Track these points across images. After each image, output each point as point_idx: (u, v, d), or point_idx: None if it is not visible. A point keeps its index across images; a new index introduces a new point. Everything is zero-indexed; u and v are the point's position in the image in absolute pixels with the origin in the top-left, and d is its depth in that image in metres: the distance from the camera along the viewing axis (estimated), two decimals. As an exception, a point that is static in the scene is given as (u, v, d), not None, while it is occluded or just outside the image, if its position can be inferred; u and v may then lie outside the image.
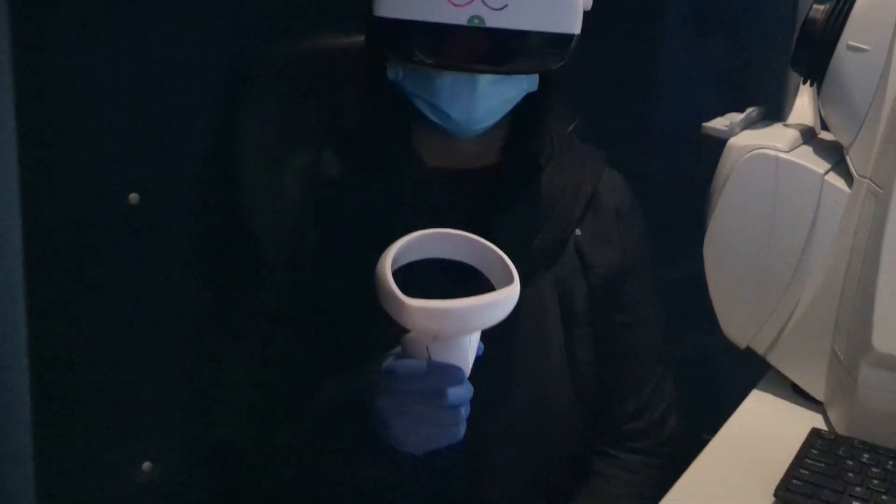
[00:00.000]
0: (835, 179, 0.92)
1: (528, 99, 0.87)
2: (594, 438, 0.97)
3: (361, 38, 0.89)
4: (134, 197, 0.99)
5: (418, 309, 0.66)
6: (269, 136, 1.00)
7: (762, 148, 0.95)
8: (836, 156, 0.95)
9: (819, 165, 0.93)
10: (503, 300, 0.68)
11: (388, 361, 0.72)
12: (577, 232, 0.92)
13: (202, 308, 1.00)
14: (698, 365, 1.23)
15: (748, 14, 1.22)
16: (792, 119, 1.07)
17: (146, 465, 1.04)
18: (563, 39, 0.78)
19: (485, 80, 0.81)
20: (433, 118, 0.85)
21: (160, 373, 1.03)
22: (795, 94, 1.10)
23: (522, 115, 0.89)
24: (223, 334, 0.93)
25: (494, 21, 0.75)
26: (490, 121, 0.85)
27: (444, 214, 0.88)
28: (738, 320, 0.99)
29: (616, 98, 1.34)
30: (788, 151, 0.94)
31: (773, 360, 0.98)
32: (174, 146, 1.02)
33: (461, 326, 0.68)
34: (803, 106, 1.08)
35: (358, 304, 0.85)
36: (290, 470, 0.84)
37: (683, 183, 1.41)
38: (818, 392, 0.94)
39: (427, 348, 0.69)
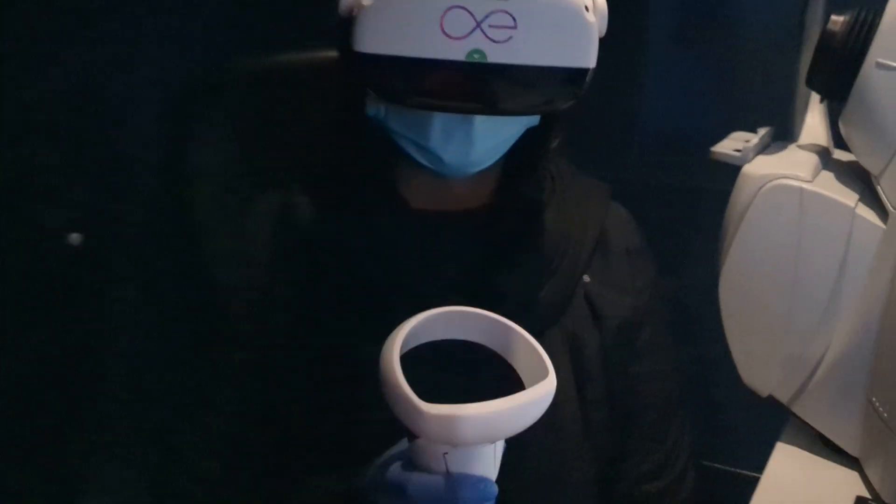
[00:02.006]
0: (865, 212, 0.82)
1: (528, 132, 0.76)
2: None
3: (334, 54, 0.77)
4: (75, 237, 0.87)
5: (439, 417, 0.55)
6: (228, 171, 0.87)
7: (783, 178, 0.85)
8: (860, 183, 0.86)
9: (848, 197, 0.83)
10: (540, 399, 0.57)
11: (395, 471, 0.60)
12: (586, 278, 0.82)
13: (154, 374, 0.87)
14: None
15: (749, 22, 1.13)
16: (803, 138, 0.98)
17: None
18: (576, 74, 0.67)
19: (482, 119, 0.70)
20: (421, 160, 0.73)
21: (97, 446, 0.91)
22: (804, 110, 1.01)
23: (520, 149, 0.78)
24: (178, 410, 0.80)
25: (498, 56, 0.64)
26: (488, 162, 0.74)
27: (437, 264, 0.77)
28: (759, 367, 0.89)
29: (602, 112, 1.25)
30: (812, 181, 0.85)
31: (799, 410, 0.88)
32: (121, 179, 0.90)
33: (490, 434, 0.57)
34: (815, 123, 0.99)
35: (341, 376, 0.74)
36: None
37: (681, 201, 1.33)
38: (851, 447, 0.85)
39: (444, 456, 0.58)
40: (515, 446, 0.77)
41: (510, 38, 0.63)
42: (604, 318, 0.81)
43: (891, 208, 0.80)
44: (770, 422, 1.18)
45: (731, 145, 0.93)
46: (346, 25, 0.65)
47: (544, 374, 0.58)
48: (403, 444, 0.62)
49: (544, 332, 0.78)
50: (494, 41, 0.63)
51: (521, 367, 0.61)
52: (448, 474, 0.57)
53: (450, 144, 0.70)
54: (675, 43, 1.30)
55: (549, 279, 0.79)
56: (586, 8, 0.65)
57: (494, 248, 0.78)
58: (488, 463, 0.59)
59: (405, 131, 0.72)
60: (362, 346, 0.76)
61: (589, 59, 0.66)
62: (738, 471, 1.29)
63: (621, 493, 0.87)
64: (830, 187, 0.85)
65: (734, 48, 1.23)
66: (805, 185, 0.84)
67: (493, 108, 0.66)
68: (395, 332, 0.58)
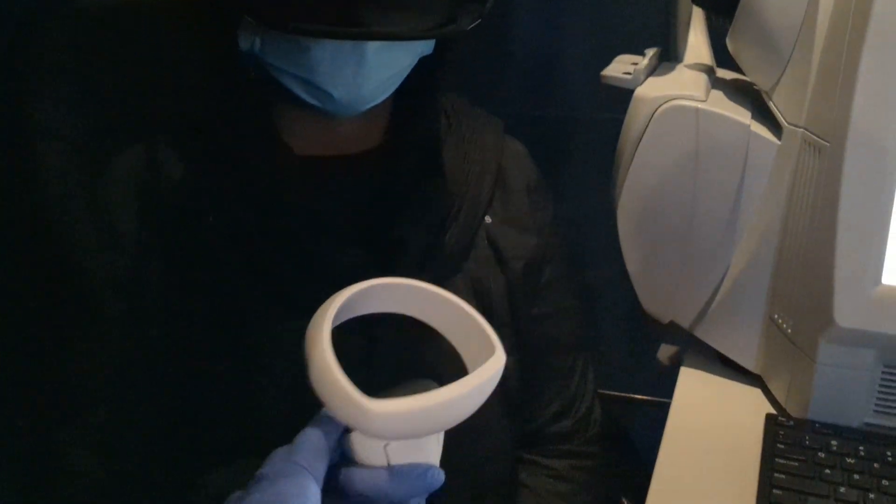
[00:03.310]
0: (759, 129, 0.81)
1: (419, 63, 0.70)
2: (517, 447, 0.85)
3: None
4: None
5: (386, 415, 0.48)
6: (75, 130, 0.76)
7: (677, 99, 0.83)
8: (749, 101, 0.85)
9: (742, 115, 0.82)
10: (490, 379, 0.52)
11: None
12: (487, 219, 0.77)
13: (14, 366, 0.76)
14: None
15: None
16: (688, 58, 0.96)
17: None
18: None
19: (375, 47, 0.62)
20: (306, 98, 0.66)
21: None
22: (685, 30, 0.99)
23: (411, 82, 0.71)
24: (50, 406, 0.69)
25: None
26: (382, 96, 0.67)
27: (329, 216, 0.71)
28: (660, 294, 0.88)
29: (469, 42, 1.20)
30: (706, 100, 0.83)
31: (700, 333, 0.88)
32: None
33: (440, 424, 0.51)
34: (698, 42, 0.97)
35: (233, 354, 0.67)
36: None
37: (557, 130, 1.30)
38: (752, 365, 0.86)
39: (385, 449, 0.52)
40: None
41: None
42: (508, 261, 0.77)
43: (784, 123, 0.80)
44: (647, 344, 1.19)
45: (619, 69, 0.90)
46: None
47: (490, 351, 0.53)
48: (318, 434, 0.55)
49: (448, 280, 0.74)
50: None
51: (461, 343, 0.55)
52: (391, 467, 0.52)
53: (339, 78, 0.63)
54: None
55: (451, 223, 0.73)
56: None
57: (391, 193, 0.71)
58: (432, 448, 0.53)
59: (287, 65, 0.64)
60: (253, 318, 0.69)
61: None
62: (627, 395, 1.31)
63: (531, 435, 0.85)
64: (724, 106, 0.83)
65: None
66: (700, 105, 0.82)
67: (390, 32, 0.59)
68: (321, 310, 0.51)
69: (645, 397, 1.36)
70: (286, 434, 0.56)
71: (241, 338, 0.67)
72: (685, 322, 0.88)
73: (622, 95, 0.90)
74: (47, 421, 0.68)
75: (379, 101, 0.67)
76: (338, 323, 0.51)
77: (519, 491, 0.84)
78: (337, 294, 0.52)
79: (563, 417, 0.86)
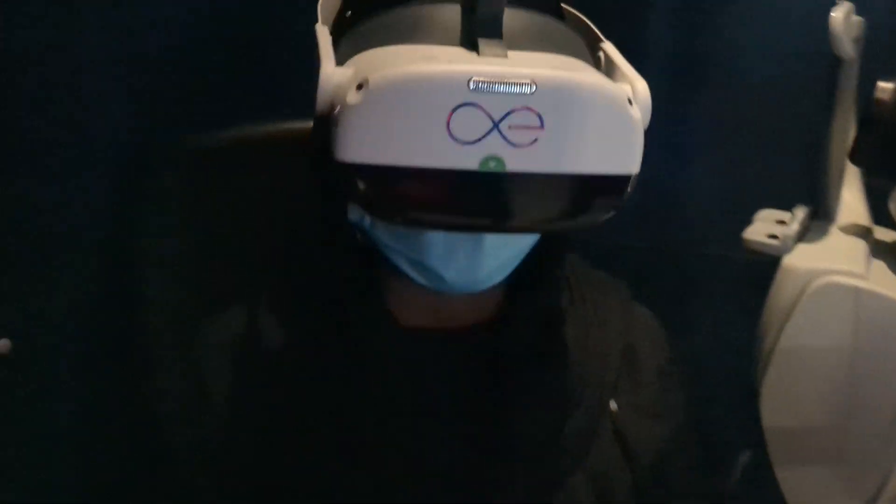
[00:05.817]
0: (933, 314, 0.71)
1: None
2: None
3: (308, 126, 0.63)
4: (4, 344, 0.75)
5: None
6: (173, 289, 0.73)
7: (833, 274, 0.73)
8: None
9: (910, 295, 0.71)
10: None
11: None
12: (612, 405, 0.68)
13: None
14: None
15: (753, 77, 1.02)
16: (843, 218, 0.86)
17: None
18: (617, 182, 0.53)
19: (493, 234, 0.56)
20: (416, 277, 0.60)
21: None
22: (839, 184, 0.89)
23: (533, 251, 0.64)
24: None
25: (519, 163, 0.50)
26: (498, 278, 0.60)
27: (436, 397, 0.64)
28: (810, 495, 0.77)
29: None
30: (867, 276, 0.73)
31: (856, 541, 0.76)
32: (54, 284, 0.75)
33: None
34: (853, 200, 0.87)
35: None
36: None
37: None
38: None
39: None
40: None
41: (535, 140, 0.50)
42: (637, 454, 0.68)
43: (965, 310, 0.69)
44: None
45: (763, 229, 0.81)
46: (324, 123, 0.51)
47: None
48: None
49: (566, 477, 0.65)
50: (515, 145, 0.49)
51: None
52: None
53: (453, 262, 0.57)
54: (670, 101, 1.19)
55: (572, 411, 0.65)
56: (629, 100, 0.52)
57: (505, 374, 0.64)
58: None
59: (397, 244, 0.58)
60: (344, 496, 0.62)
61: (632, 163, 0.53)
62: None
63: None
64: (889, 283, 0.73)
65: (741, 105, 1.12)
66: (860, 284, 0.72)
67: (512, 225, 0.53)
68: None
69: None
70: None
71: None
72: (837, 528, 0.76)
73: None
74: None
75: (495, 282, 0.60)
76: None
77: None
78: None
79: None
